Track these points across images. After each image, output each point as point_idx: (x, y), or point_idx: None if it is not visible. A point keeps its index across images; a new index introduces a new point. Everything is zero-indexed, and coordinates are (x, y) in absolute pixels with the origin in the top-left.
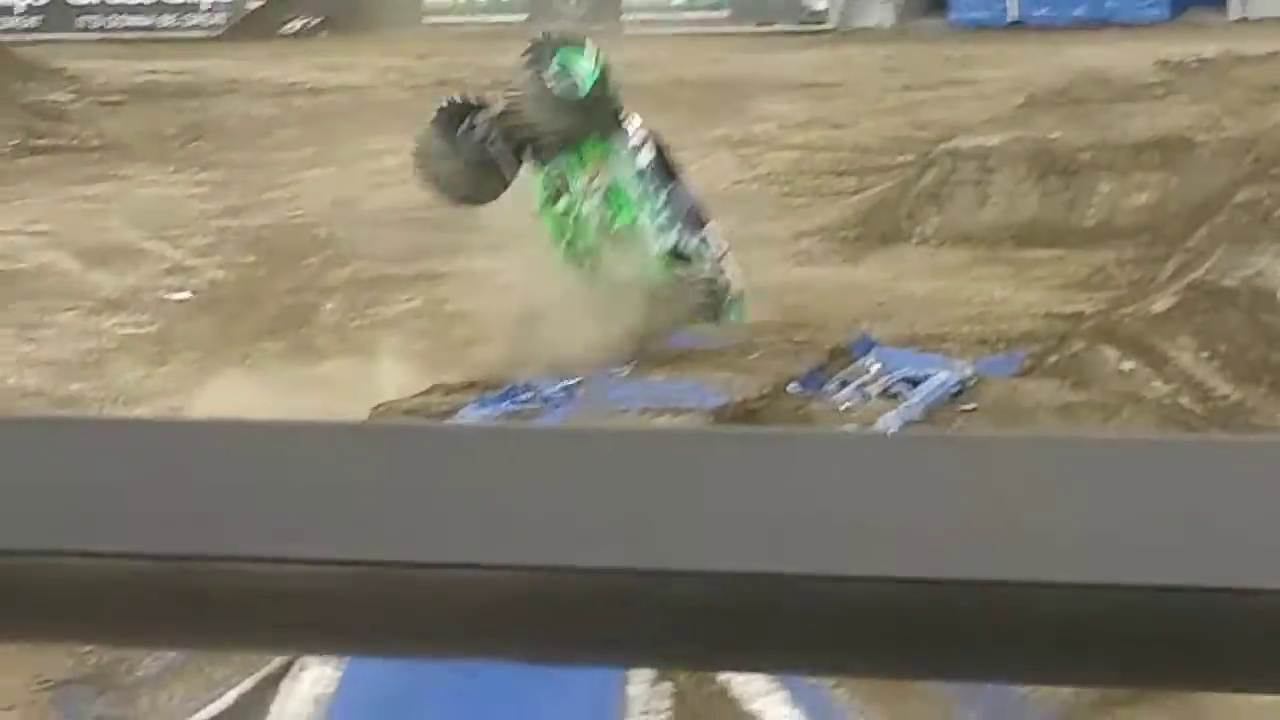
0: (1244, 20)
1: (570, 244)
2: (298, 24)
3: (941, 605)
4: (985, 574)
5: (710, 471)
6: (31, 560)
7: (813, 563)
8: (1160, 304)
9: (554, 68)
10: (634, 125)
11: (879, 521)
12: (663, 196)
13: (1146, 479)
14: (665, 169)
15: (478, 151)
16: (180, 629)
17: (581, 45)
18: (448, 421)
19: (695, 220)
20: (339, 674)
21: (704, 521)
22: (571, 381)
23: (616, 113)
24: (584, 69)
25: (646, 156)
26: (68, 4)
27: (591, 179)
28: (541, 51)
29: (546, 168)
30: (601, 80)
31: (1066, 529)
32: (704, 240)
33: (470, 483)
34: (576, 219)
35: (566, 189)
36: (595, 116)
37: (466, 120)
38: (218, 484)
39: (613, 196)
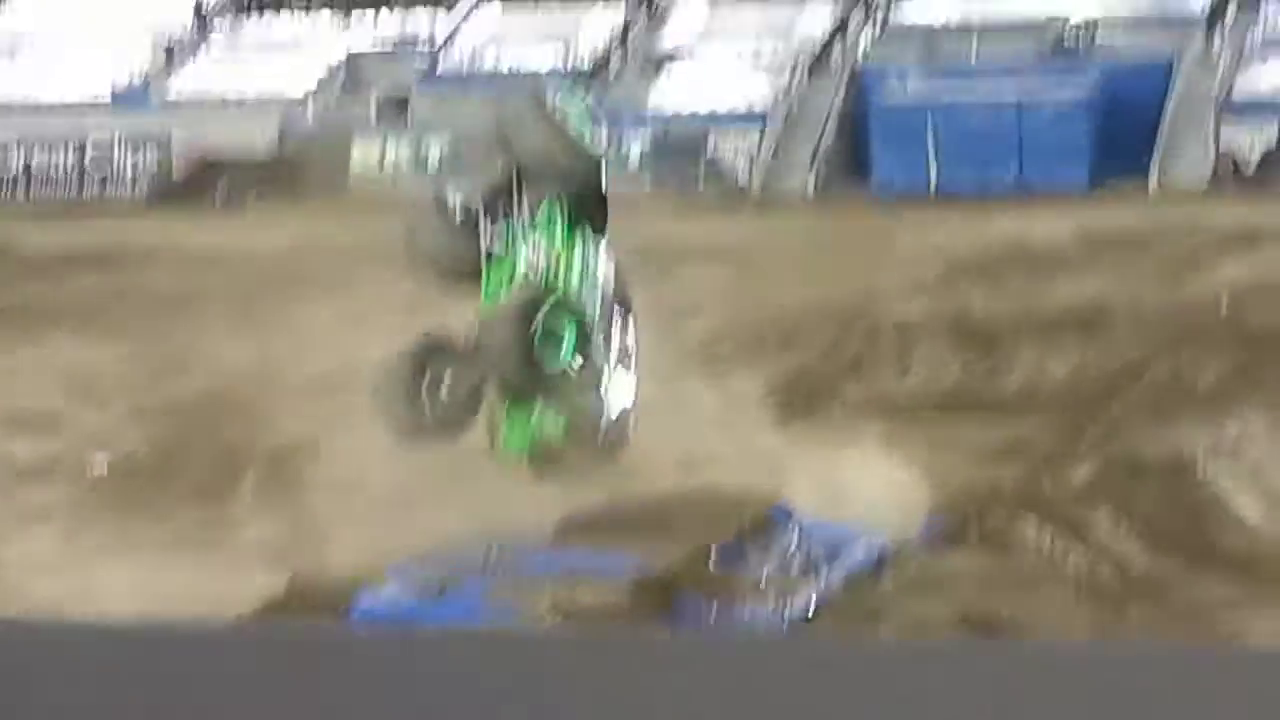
0: (1165, 190)
1: (491, 295)
2: (222, 192)
3: None
4: None
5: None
6: None
7: None
8: (1079, 475)
9: (558, 109)
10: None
11: None
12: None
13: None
14: (621, 300)
15: (464, 223)
16: None
17: (583, 104)
18: (365, 602)
19: (624, 357)
20: None
21: None
22: (491, 550)
23: (605, 206)
24: (588, 124)
25: (608, 275)
26: None
27: (545, 251)
28: (543, 94)
29: (508, 222)
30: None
31: None
32: (620, 366)
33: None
34: (510, 273)
35: (510, 249)
36: (591, 180)
37: (451, 193)
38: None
39: (557, 275)
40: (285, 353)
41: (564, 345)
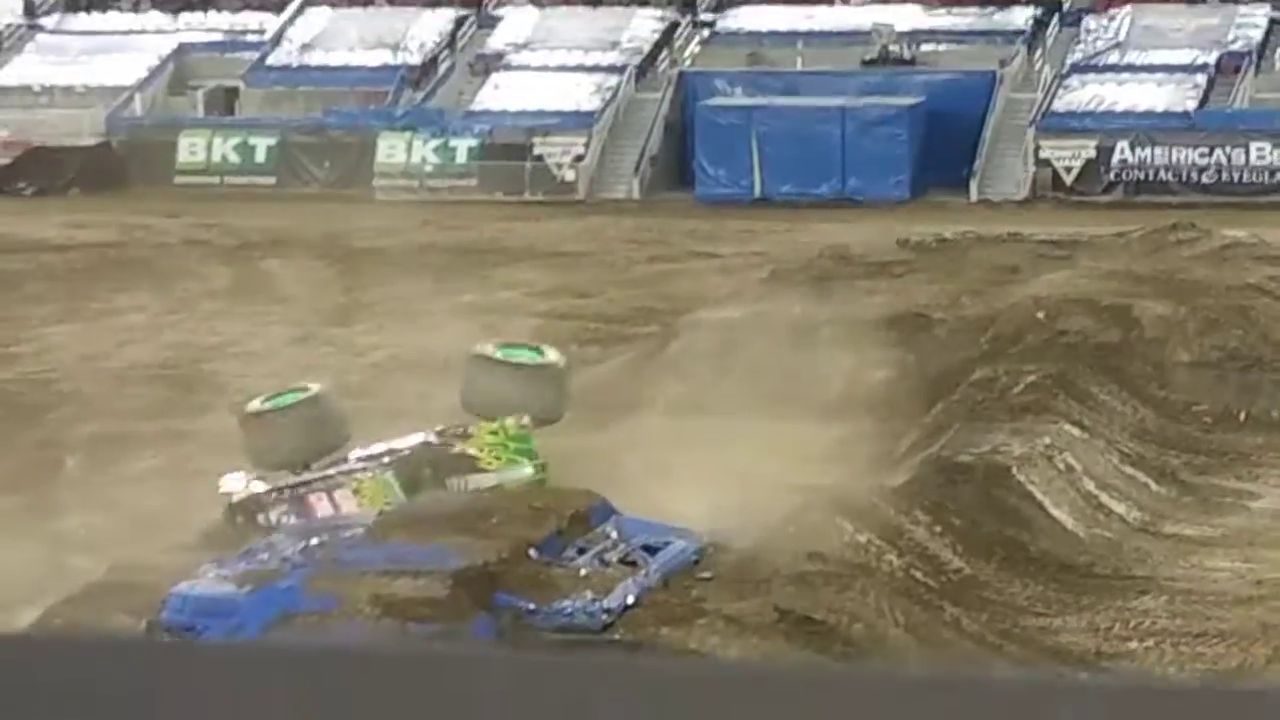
0: (984, 202)
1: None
2: (48, 181)
3: None
4: None
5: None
6: None
7: None
8: (896, 478)
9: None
10: None
11: None
12: None
13: None
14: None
15: None
16: None
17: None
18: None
19: None
20: None
21: None
22: (312, 542)
23: None
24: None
25: None
26: None
27: None
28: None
29: None
30: None
31: None
32: None
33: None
34: None
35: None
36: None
37: None
38: None
39: None
40: (108, 341)
41: None
